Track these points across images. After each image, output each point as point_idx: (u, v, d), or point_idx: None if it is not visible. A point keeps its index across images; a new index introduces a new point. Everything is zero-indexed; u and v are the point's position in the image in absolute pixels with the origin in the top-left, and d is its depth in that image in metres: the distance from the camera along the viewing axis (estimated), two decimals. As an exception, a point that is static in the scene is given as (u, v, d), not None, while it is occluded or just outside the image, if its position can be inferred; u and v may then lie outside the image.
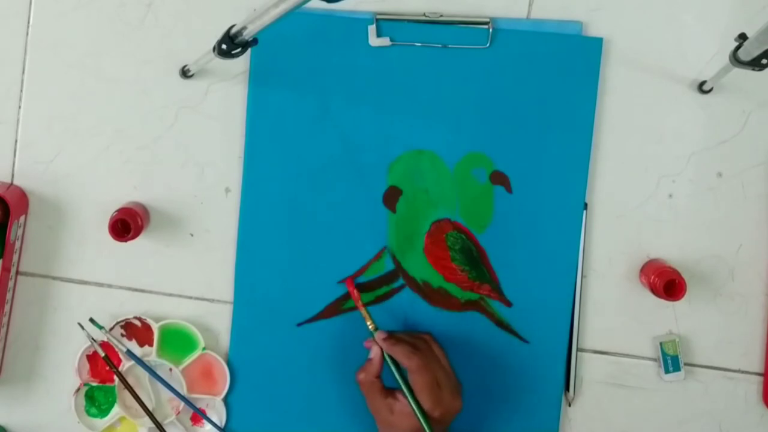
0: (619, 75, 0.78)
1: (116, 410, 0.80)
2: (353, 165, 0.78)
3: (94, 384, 0.80)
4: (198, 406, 0.80)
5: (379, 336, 0.74)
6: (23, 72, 0.79)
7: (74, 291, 0.80)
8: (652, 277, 0.75)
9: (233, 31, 0.63)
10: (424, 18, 0.78)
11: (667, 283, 0.73)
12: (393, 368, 0.73)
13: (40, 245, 0.80)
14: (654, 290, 0.74)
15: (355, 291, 0.77)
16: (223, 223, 0.79)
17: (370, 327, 0.76)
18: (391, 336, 0.74)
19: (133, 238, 0.74)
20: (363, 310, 0.76)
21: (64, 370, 0.80)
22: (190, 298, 0.80)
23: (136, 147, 0.79)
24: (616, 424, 0.80)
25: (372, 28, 0.77)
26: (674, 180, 0.79)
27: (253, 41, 0.64)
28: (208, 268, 0.80)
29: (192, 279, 0.80)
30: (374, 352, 0.74)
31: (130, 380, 0.79)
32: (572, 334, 0.79)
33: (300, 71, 0.78)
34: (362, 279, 0.79)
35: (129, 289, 0.80)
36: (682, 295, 0.73)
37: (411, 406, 0.70)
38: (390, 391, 0.72)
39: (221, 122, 0.79)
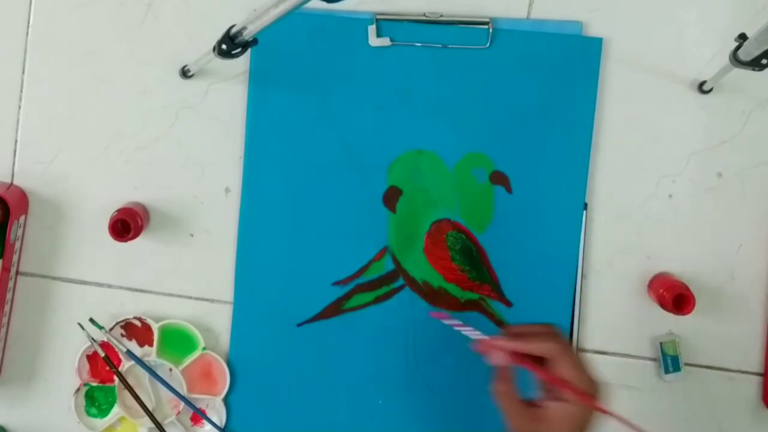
0: (619, 75, 0.78)
1: (116, 410, 0.80)
2: (353, 165, 0.78)
3: (94, 384, 0.80)
4: (198, 406, 0.80)
5: (500, 340, 0.63)
6: (23, 72, 0.79)
7: (74, 291, 0.80)
8: (661, 290, 0.75)
9: (233, 31, 0.63)
10: (424, 18, 0.78)
11: (676, 297, 0.73)
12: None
13: (40, 245, 0.80)
14: (662, 304, 0.74)
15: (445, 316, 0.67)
16: (223, 223, 0.79)
17: (475, 336, 0.65)
18: (513, 331, 0.64)
19: (133, 238, 0.74)
20: (463, 327, 0.66)
21: (64, 370, 0.80)
22: (190, 298, 0.80)
23: (136, 147, 0.79)
24: (616, 424, 0.80)
25: (372, 28, 0.77)
26: (674, 180, 0.79)
27: (253, 41, 0.64)
28: (208, 268, 0.80)
29: (192, 279, 0.80)
30: (499, 357, 0.63)
31: (130, 380, 0.79)
32: (572, 334, 0.79)
33: (300, 71, 0.78)
34: (362, 279, 0.79)
35: (129, 289, 0.80)
36: (691, 309, 0.73)
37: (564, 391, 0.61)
38: (529, 401, 0.63)
39: (221, 122, 0.79)
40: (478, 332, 0.65)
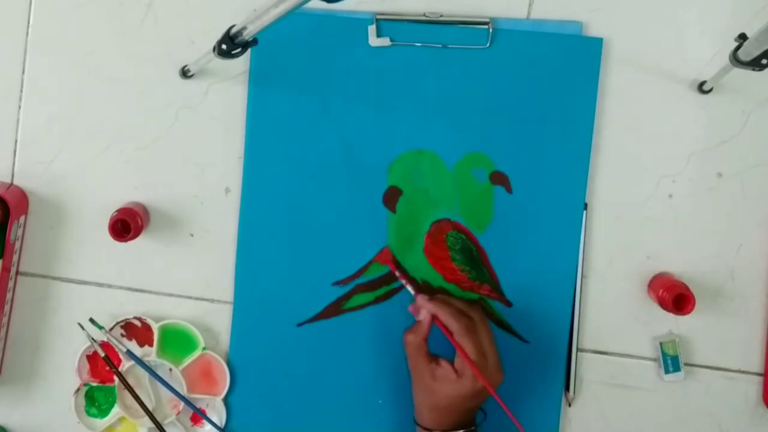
0: (619, 75, 0.78)
1: (116, 410, 0.80)
2: (353, 165, 0.78)
3: (94, 384, 0.80)
4: (198, 406, 0.80)
5: (422, 297, 0.73)
6: (23, 72, 0.79)
7: (74, 291, 0.80)
8: (661, 290, 0.75)
9: (233, 31, 0.63)
10: (424, 18, 0.78)
11: (676, 297, 0.73)
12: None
13: (40, 245, 0.80)
14: (662, 304, 0.74)
15: (393, 264, 0.78)
16: (223, 223, 0.79)
17: (412, 291, 0.75)
18: (437, 297, 0.74)
19: (133, 238, 0.74)
20: (404, 279, 0.77)
21: (64, 370, 0.80)
22: (190, 298, 0.80)
23: (136, 147, 0.79)
24: (616, 424, 0.80)
25: (372, 28, 0.77)
26: (674, 180, 0.79)
27: (253, 41, 0.64)
28: (208, 268, 0.80)
29: (192, 279, 0.80)
30: (423, 315, 0.72)
31: (130, 380, 0.79)
32: (572, 334, 0.79)
33: (300, 71, 0.78)
34: (362, 279, 0.79)
35: (129, 289, 0.80)
36: (692, 309, 0.73)
37: (454, 364, 0.70)
38: (434, 357, 0.72)
39: (221, 122, 0.79)
40: (414, 290, 0.76)
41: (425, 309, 0.72)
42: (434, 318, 0.72)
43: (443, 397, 0.70)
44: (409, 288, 0.76)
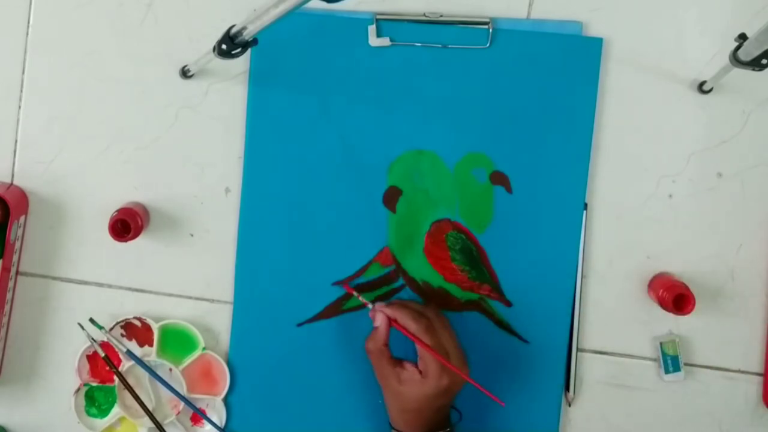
0: (619, 75, 0.78)
1: (116, 410, 0.80)
2: (353, 165, 0.78)
3: (94, 384, 0.80)
4: (198, 406, 0.80)
5: (379, 304, 0.74)
6: (23, 72, 0.79)
7: (74, 291, 0.80)
8: (661, 290, 0.75)
9: (233, 31, 0.63)
10: (424, 18, 0.78)
11: (676, 297, 0.73)
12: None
13: (40, 245, 0.80)
14: (662, 304, 0.74)
15: (351, 290, 0.78)
16: (223, 223, 0.79)
17: (370, 306, 0.75)
18: (393, 302, 0.74)
19: (133, 238, 0.74)
20: (359, 296, 0.77)
21: (64, 370, 0.80)
22: (190, 298, 0.80)
23: (136, 147, 0.79)
24: (616, 424, 0.80)
25: (372, 28, 0.77)
26: (674, 180, 0.79)
27: (253, 41, 0.64)
28: (208, 268, 0.80)
29: (192, 279, 0.80)
30: (380, 320, 0.73)
31: (130, 380, 0.79)
32: (572, 334, 0.79)
33: (300, 71, 0.78)
34: (362, 279, 0.79)
35: (129, 289, 0.80)
36: (692, 309, 0.73)
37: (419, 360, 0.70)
38: (398, 360, 0.72)
39: (221, 122, 0.79)
40: (369, 302, 0.76)
41: (381, 314, 0.73)
42: (393, 322, 0.72)
43: (412, 400, 0.70)
44: (363, 300, 0.76)
